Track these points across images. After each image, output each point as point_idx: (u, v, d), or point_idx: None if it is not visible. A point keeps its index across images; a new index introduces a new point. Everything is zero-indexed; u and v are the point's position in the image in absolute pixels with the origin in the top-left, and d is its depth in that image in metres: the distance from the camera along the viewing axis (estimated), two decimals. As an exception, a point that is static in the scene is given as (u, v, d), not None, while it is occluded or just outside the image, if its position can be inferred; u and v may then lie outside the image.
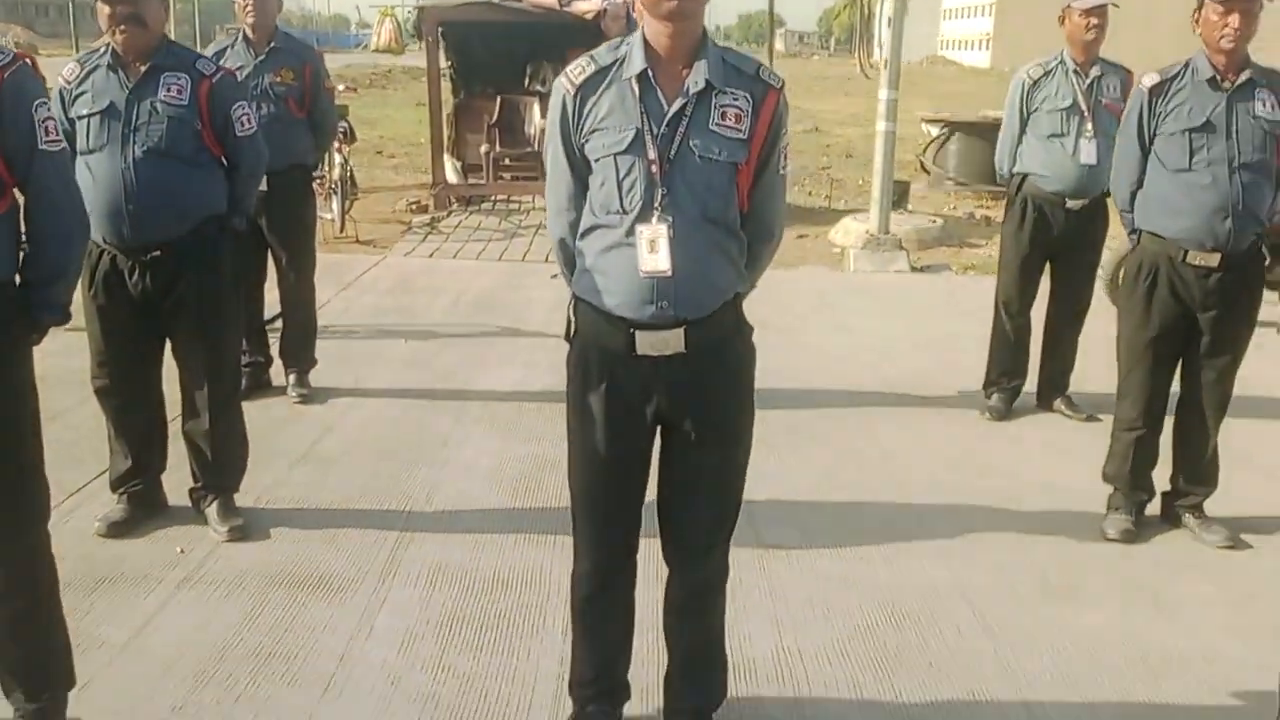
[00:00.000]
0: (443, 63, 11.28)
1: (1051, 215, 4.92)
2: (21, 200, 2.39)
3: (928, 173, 13.71)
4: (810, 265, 8.92)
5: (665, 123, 2.29)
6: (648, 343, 2.36)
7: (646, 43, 2.31)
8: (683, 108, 2.29)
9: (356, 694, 2.89)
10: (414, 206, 10.74)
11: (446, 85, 11.53)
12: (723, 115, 2.30)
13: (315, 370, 5.30)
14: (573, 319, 2.49)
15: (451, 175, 10.82)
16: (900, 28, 8.37)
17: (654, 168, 2.28)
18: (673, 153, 2.29)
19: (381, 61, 31.46)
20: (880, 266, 8.58)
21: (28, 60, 2.31)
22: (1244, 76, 3.64)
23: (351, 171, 9.71)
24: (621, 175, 2.30)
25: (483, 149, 11.00)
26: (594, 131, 2.33)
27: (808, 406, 5.27)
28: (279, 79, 4.84)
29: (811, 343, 6.47)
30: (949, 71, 52.32)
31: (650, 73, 2.30)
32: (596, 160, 2.34)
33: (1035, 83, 4.89)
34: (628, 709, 2.76)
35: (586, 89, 2.34)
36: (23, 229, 2.40)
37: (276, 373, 5.29)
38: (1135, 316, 3.85)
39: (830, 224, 10.15)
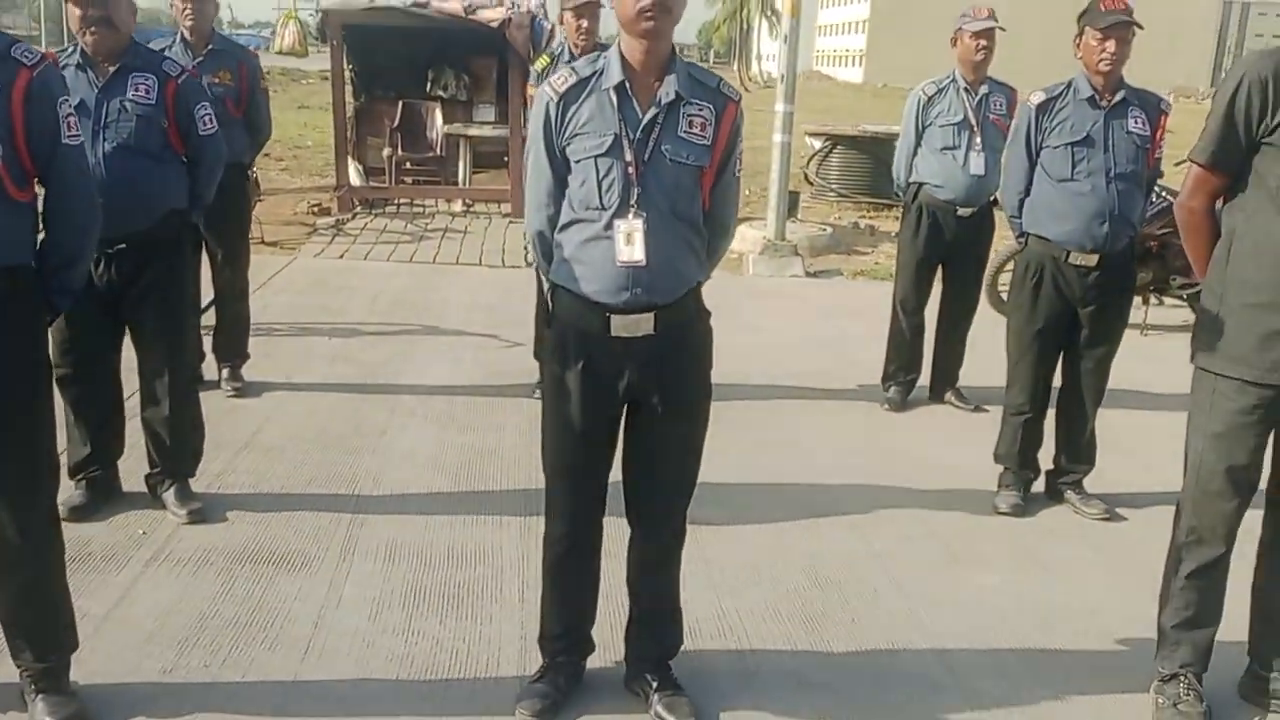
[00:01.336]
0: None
1: (944, 222, 5.37)
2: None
3: (811, 184, 14.29)
4: (709, 270, 9.28)
5: (640, 129, 2.58)
6: (621, 325, 2.65)
7: (623, 57, 2.60)
8: (655, 116, 2.59)
9: (335, 656, 3.09)
10: (316, 208, 10.77)
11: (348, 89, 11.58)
12: (690, 123, 2.61)
13: (245, 365, 5.42)
14: (551, 304, 2.75)
15: (354, 178, 10.90)
16: (795, 43, 8.82)
17: (630, 169, 2.57)
18: (647, 156, 2.58)
19: (263, 64, 30.92)
20: (777, 271, 9.02)
21: (53, 60, 2.47)
22: (1119, 96, 4.12)
23: (255, 173, 9.70)
24: (601, 175, 2.59)
25: (385, 152, 11.12)
26: (575, 136, 2.61)
27: (722, 400, 5.48)
28: (217, 80, 4.96)
29: (719, 342, 6.73)
30: (825, 86, 53.82)
31: (627, 84, 2.59)
32: (578, 161, 2.61)
33: (930, 99, 5.35)
34: (590, 661, 3.04)
35: (569, 97, 2.62)
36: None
37: (207, 367, 5.38)
38: (1023, 311, 4.29)
39: (727, 231, 10.54)
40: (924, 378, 5.79)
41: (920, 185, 5.43)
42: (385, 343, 6.34)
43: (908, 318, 5.63)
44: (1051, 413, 4.48)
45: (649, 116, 2.58)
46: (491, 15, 10.15)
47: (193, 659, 3.02)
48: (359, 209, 10.71)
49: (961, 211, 5.33)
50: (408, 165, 11.45)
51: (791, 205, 11.44)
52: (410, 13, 10.34)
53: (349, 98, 11.54)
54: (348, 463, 4.48)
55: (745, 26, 70.34)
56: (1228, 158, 2.78)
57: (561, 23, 5.26)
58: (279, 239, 9.33)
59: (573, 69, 2.66)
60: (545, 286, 2.80)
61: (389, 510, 4.06)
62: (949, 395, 5.71)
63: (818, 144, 14.54)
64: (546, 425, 2.81)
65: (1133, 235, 4.18)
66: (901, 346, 5.69)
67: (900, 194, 5.67)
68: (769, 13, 75.05)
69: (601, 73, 2.62)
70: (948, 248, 5.45)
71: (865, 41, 79.85)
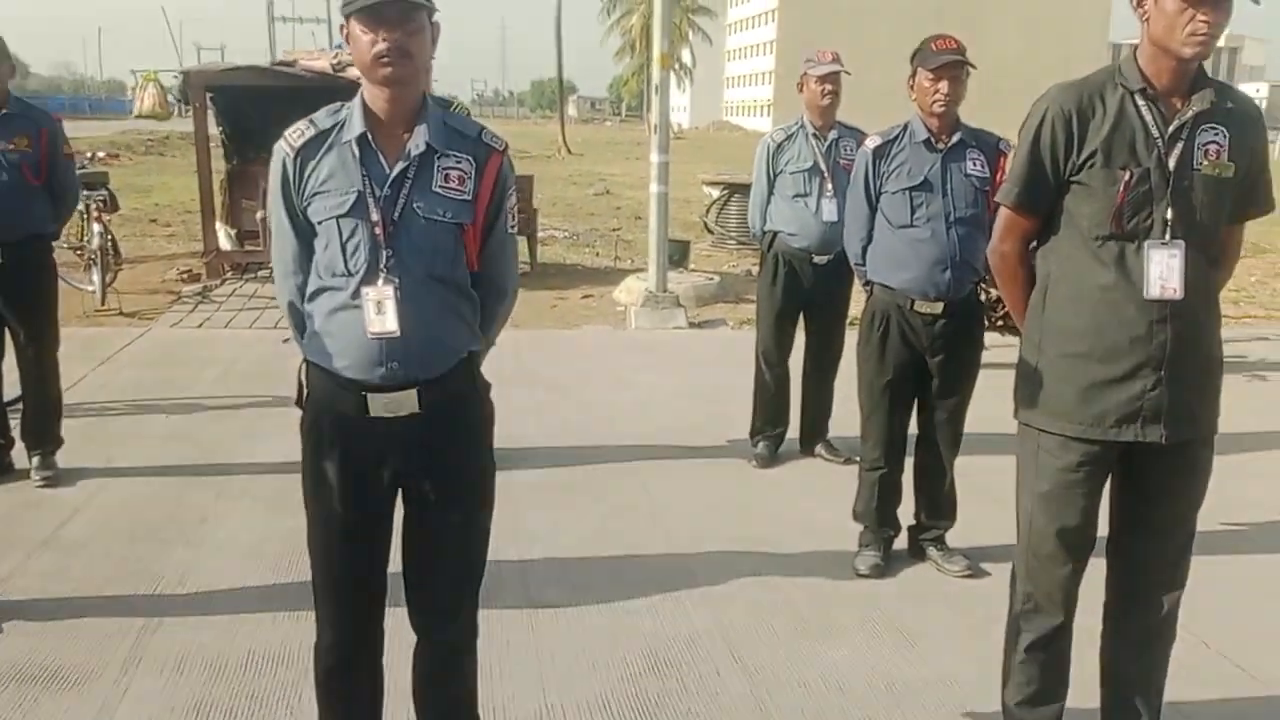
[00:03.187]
0: (214, 128, 11.00)
1: (801, 270, 5.19)
2: None
3: (711, 232, 14.24)
4: (594, 324, 9.08)
5: (388, 185, 2.31)
6: (380, 404, 2.36)
7: (366, 106, 2.34)
8: (405, 170, 2.32)
9: (87, 792, 2.71)
10: (185, 275, 10.33)
11: (220, 151, 11.23)
12: (446, 177, 2.35)
13: (63, 450, 5.00)
14: (304, 384, 2.46)
15: (225, 242, 10.49)
16: (667, 95, 8.70)
17: (378, 230, 2.30)
18: (396, 214, 2.31)
19: (159, 128, 30.31)
20: (659, 323, 8.81)
21: None
22: (956, 138, 3.96)
23: (113, 241, 9.27)
24: (345, 238, 2.31)
25: (259, 215, 10.71)
26: (315, 195, 2.33)
27: (585, 463, 5.34)
28: (12, 146, 4.60)
29: (592, 399, 6.57)
30: (734, 136, 54.60)
31: (370, 136, 2.32)
32: (320, 223, 2.34)
33: (779, 146, 5.19)
34: (381, 781, 2.70)
35: (306, 152, 2.35)
36: None
37: (19, 455, 4.96)
38: (872, 363, 4.09)
39: (617, 284, 10.37)
40: (795, 430, 5.59)
41: (775, 234, 5.25)
42: (229, 418, 5.95)
43: (771, 370, 5.43)
44: (911, 465, 4.28)
45: (397, 171, 2.32)
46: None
47: (-87, 808, 2.62)
48: (229, 274, 10.29)
49: (818, 259, 5.15)
50: (284, 228, 11.05)
51: (682, 255, 11.35)
52: (277, 72, 10.04)
53: (221, 160, 11.16)
54: (155, 558, 4.09)
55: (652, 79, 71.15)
56: (1036, 199, 2.60)
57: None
58: (139, 309, 8.88)
59: (311, 121, 2.39)
60: (300, 364, 2.50)
61: (190, 611, 3.69)
62: (819, 448, 5.51)
63: (715, 193, 14.51)
64: (309, 521, 2.51)
65: (977, 280, 4.02)
66: (767, 400, 5.47)
67: (758, 243, 5.49)
68: (677, 66, 76.40)
69: (343, 125, 2.35)
70: (807, 296, 5.27)
71: (772, 92, 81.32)
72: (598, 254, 13.54)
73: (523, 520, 4.49)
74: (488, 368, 2.58)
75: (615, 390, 6.85)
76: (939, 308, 3.96)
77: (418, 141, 2.32)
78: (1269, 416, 6.36)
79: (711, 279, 10.39)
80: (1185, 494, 2.63)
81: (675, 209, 18.26)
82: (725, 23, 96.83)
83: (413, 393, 2.36)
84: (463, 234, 2.38)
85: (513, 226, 2.50)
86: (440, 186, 2.34)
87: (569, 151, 39.36)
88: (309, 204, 2.34)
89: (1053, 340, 2.59)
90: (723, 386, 6.85)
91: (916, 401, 4.17)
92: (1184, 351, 2.48)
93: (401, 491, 2.48)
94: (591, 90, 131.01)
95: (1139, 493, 2.65)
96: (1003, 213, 2.68)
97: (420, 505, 2.46)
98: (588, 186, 23.89)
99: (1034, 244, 2.68)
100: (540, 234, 15.32)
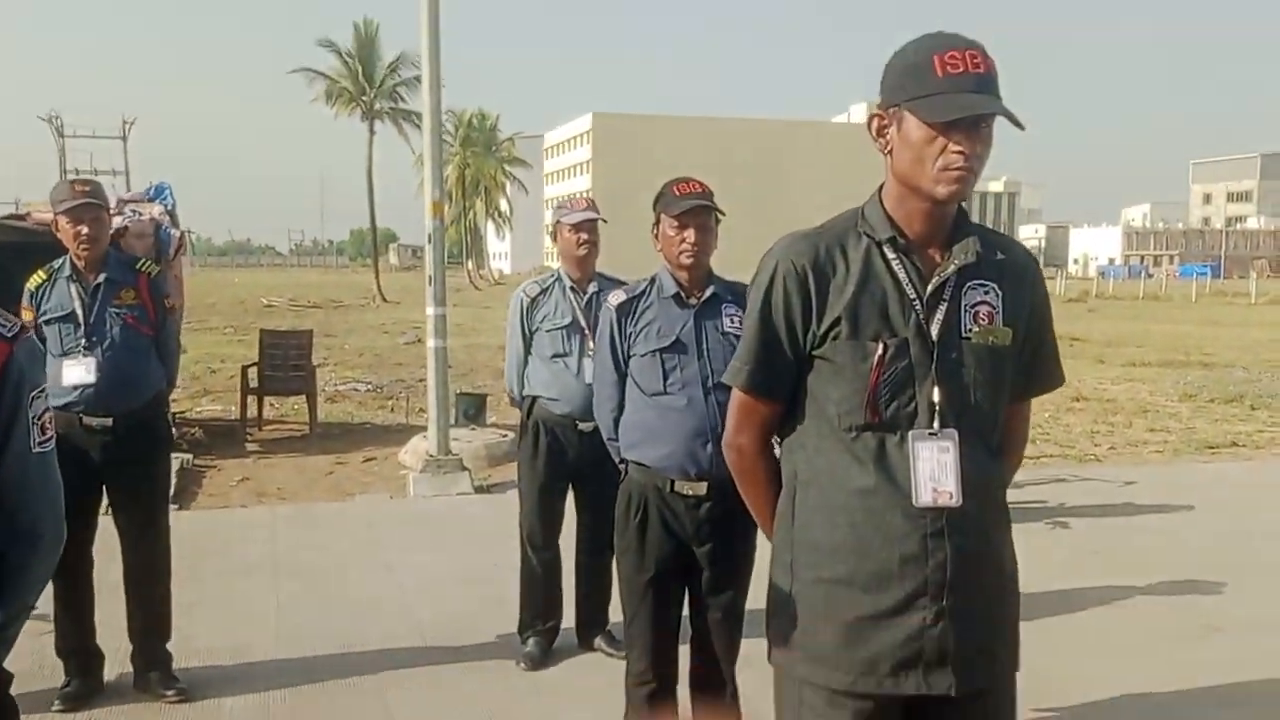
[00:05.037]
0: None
1: (565, 439, 4.56)
2: None
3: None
4: (372, 493, 8.21)
5: None
6: None
7: None
8: None
9: None
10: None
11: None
12: None
13: None
14: None
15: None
16: (440, 243, 8.12)
17: None
18: None
19: None
20: (441, 489, 8.01)
21: None
22: (709, 292, 3.44)
23: None
24: None
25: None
26: None
27: (319, 679, 4.47)
28: None
29: (346, 591, 5.70)
30: (553, 279, 54.53)
31: None
32: None
33: (533, 301, 4.60)
34: None
35: None
36: None
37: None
38: (631, 556, 3.44)
39: (405, 443, 9.57)
40: (571, 619, 4.86)
41: (534, 399, 4.62)
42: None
43: (538, 554, 4.72)
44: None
45: None
46: (107, 224, 8.94)
47: None
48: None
49: (583, 426, 4.50)
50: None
51: (478, 410, 10.65)
52: (7, 227, 9.00)
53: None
54: None
55: (472, 227, 71.57)
56: (773, 379, 2.03)
57: (57, 228, 4.26)
58: None
59: None
60: None
61: None
62: (599, 640, 4.78)
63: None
64: None
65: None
66: (535, 589, 4.74)
67: (517, 408, 4.84)
68: (495, 215, 77.08)
69: None
70: (574, 468, 4.61)
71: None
72: (391, 410, 12.68)
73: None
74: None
75: (377, 576, 5.98)
76: (702, 488, 3.35)
77: None
78: (1078, 570, 6.01)
79: (505, 436, 9.67)
80: (989, 751, 2.03)
81: (490, 355, 17.76)
82: (542, 172, 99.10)
83: None
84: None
85: (43, 443, 1.75)
86: None
87: (384, 299, 38.72)
88: None
89: (806, 561, 1.99)
90: (503, 564, 6.04)
91: (687, 596, 3.52)
92: (969, 572, 1.90)
93: None
94: (413, 238, 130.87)
95: (932, 754, 2.03)
96: (735, 396, 2.10)
97: None
98: (399, 335, 23.17)
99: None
100: (341, 387, 14.44)
